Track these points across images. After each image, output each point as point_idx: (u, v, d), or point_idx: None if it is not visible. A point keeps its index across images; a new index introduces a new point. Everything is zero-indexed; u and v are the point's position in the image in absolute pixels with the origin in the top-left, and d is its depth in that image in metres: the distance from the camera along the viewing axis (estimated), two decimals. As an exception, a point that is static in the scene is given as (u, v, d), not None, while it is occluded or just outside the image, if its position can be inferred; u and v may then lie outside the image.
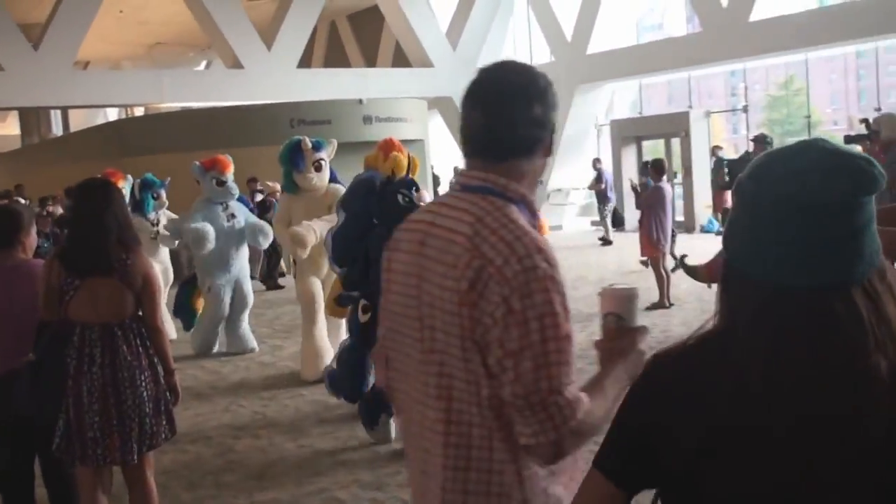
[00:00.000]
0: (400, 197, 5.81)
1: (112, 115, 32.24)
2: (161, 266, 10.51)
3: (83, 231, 4.14)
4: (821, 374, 1.29)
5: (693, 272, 6.41)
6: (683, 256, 6.83)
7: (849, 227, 1.30)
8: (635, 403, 1.46)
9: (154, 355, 4.20)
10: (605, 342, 2.00)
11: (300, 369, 8.48)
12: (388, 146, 7.11)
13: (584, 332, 9.78)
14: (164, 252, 10.73)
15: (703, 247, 15.55)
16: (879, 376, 1.28)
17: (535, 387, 1.77)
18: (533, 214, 1.96)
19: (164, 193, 10.72)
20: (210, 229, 9.21)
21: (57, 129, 32.69)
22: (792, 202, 1.30)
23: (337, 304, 6.74)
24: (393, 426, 6.04)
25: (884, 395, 1.28)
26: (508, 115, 1.93)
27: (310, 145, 8.33)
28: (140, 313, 4.21)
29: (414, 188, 6.02)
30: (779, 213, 1.31)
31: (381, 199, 5.87)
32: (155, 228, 10.46)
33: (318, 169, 8.36)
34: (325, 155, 8.46)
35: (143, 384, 4.09)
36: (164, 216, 10.73)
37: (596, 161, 20.35)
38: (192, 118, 19.86)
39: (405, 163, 6.93)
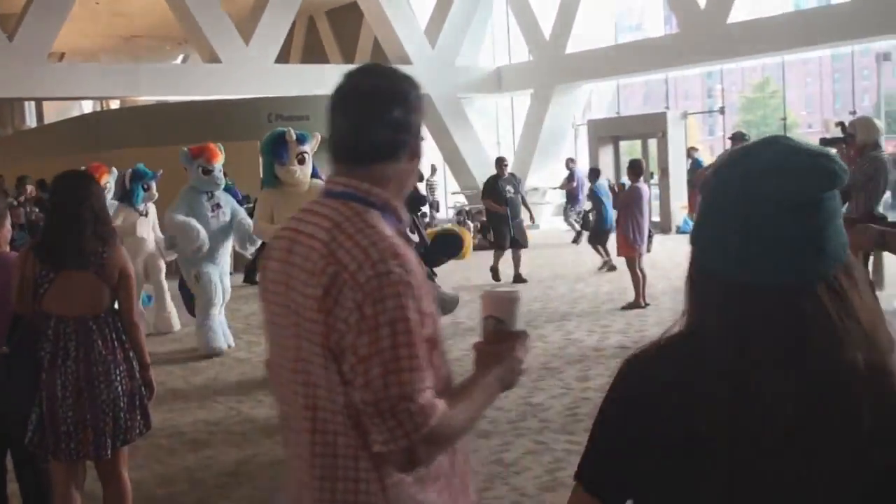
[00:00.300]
0: None
1: (87, 107, 31.98)
2: (149, 254, 10.45)
3: (58, 223, 4.10)
4: (791, 373, 1.29)
5: None
6: None
7: (813, 223, 1.30)
8: (611, 411, 1.44)
9: (130, 350, 4.17)
10: (484, 345, 1.99)
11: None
12: None
13: (560, 332, 9.82)
14: (152, 242, 10.59)
15: (680, 248, 15.59)
16: (857, 372, 1.28)
17: (385, 393, 1.75)
18: (399, 220, 1.96)
19: (154, 185, 10.56)
20: (200, 228, 9.07)
21: (31, 121, 32.41)
22: (755, 200, 1.30)
23: None
24: None
25: (862, 392, 1.28)
26: (367, 119, 1.92)
27: (294, 137, 8.13)
28: (116, 307, 4.19)
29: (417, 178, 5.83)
30: (742, 211, 1.31)
31: None
32: (143, 218, 10.38)
33: (302, 162, 8.14)
34: (309, 148, 8.27)
35: (118, 379, 4.06)
36: (152, 209, 10.61)
37: (569, 161, 20.40)
38: (168, 112, 19.74)
39: None
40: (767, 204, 1.29)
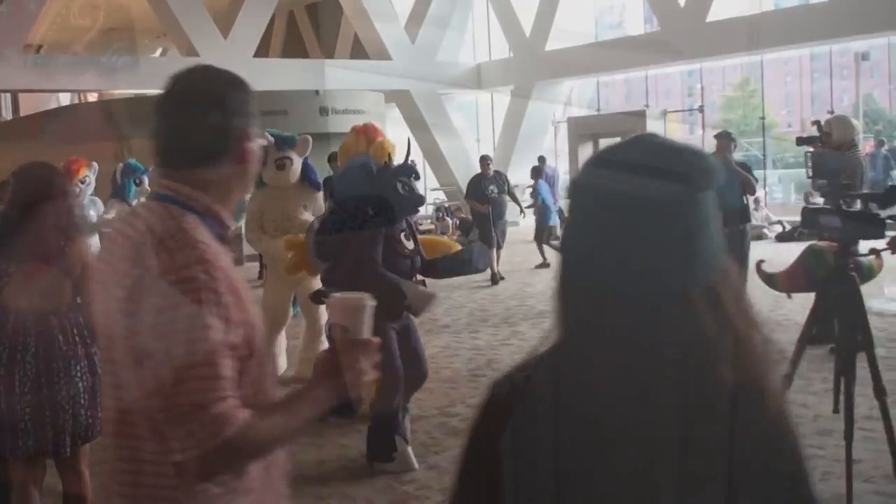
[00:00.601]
0: (399, 185, 5.37)
1: (64, 100, 31.73)
2: None
3: (18, 217, 4.02)
4: (659, 389, 1.20)
5: (771, 280, 5.89)
6: (760, 262, 6.08)
7: (683, 227, 1.21)
8: (476, 442, 1.35)
9: (92, 345, 4.08)
10: (328, 354, 1.94)
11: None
12: (371, 131, 6.51)
13: (536, 330, 9.78)
14: None
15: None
16: (727, 389, 1.19)
17: (176, 401, 1.71)
18: (222, 225, 1.93)
19: (146, 180, 10.36)
20: None
21: (7, 114, 32.16)
22: (622, 202, 1.20)
23: (312, 300, 6.35)
24: (411, 450, 5.55)
25: (732, 411, 1.19)
26: (183, 124, 1.92)
27: (272, 141, 7.65)
28: (79, 301, 4.10)
29: (413, 175, 5.58)
30: (609, 214, 1.22)
31: (377, 188, 5.38)
32: None
33: (281, 167, 7.71)
34: (291, 154, 7.79)
35: (79, 375, 3.97)
36: None
37: (541, 159, 20.37)
38: (145, 105, 19.58)
39: (393, 148, 6.40)
40: (636, 206, 1.20)
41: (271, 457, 1.93)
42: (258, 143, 1.97)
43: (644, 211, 1.20)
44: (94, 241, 10.41)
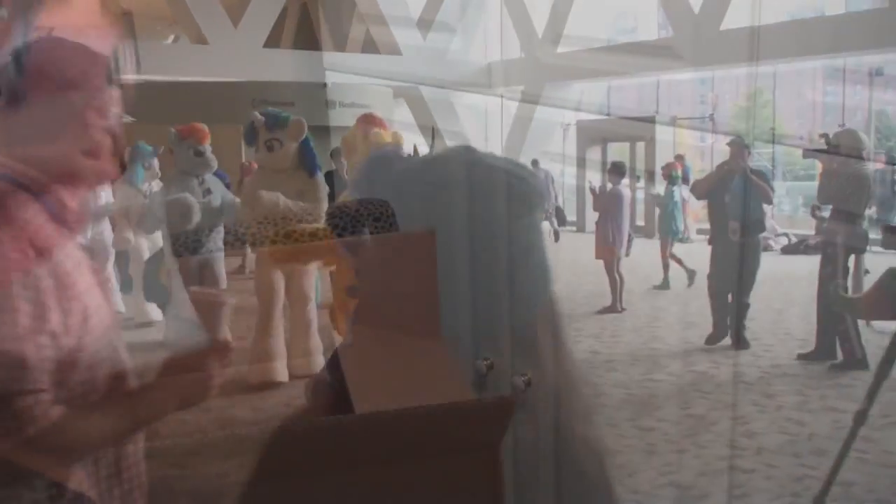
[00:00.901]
0: None
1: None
2: (152, 245, 10.12)
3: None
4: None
5: (850, 305, 5.58)
6: (836, 285, 5.77)
7: (498, 257, 0.98)
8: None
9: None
10: (173, 353, 1.83)
11: (246, 371, 7.44)
12: (368, 121, 6.20)
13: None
14: (157, 232, 10.22)
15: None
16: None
17: None
18: (61, 206, 1.79)
19: (156, 163, 10.06)
20: (194, 201, 8.60)
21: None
22: (431, 222, 1.01)
23: (348, 295, 6.25)
24: None
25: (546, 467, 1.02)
26: (18, 101, 1.78)
27: (262, 122, 7.51)
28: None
29: None
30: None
31: (397, 183, 5.17)
32: (146, 201, 9.97)
33: (270, 149, 7.48)
34: (281, 135, 7.53)
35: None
36: (158, 187, 10.17)
37: (533, 162, 20.23)
38: (150, 90, 19.48)
39: (399, 138, 6.13)
40: (449, 229, 0.97)
41: (125, 461, 1.81)
42: (111, 120, 1.84)
43: (448, 239, 0.98)
44: (106, 228, 10.26)
